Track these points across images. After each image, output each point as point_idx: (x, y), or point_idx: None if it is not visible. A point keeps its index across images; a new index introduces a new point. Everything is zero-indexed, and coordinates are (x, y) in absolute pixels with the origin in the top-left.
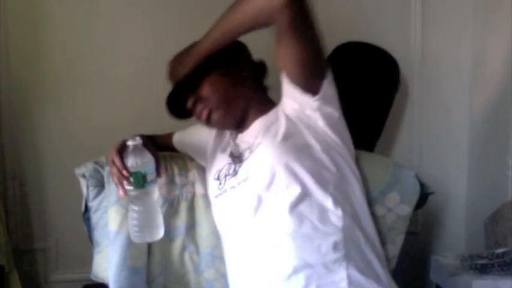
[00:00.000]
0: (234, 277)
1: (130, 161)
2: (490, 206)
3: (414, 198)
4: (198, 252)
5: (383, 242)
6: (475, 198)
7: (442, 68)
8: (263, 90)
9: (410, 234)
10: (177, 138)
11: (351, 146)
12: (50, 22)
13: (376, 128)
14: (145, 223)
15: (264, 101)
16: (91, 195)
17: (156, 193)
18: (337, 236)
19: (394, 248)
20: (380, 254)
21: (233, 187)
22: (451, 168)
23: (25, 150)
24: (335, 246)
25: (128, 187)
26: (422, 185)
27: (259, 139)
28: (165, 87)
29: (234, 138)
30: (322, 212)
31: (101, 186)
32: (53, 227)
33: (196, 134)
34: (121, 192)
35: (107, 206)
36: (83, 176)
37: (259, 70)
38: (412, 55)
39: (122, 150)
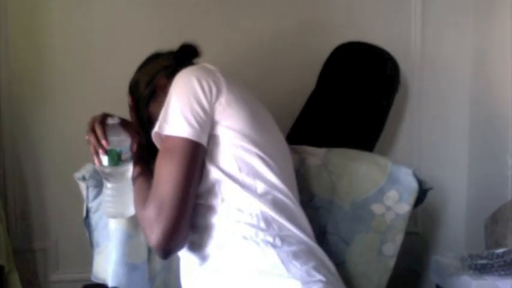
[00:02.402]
0: None
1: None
2: (490, 206)
3: (413, 196)
4: None
5: (384, 241)
6: (475, 198)
7: (442, 68)
8: None
9: (410, 234)
10: None
11: None
12: (50, 23)
13: (376, 128)
14: (118, 200)
15: None
16: (91, 195)
17: (129, 172)
18: None
19: (394, 247)
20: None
21: None
22: (451, 168)
23: (25, 151)
24: None
25: (103, 163)
26: (420, 182)
27: None
28: None
29: None
30: None
31: (100, 186)
32: (53, 227)
33: None
34: (96, 162)
35: None
36: (83, 178)
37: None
38: (412, 55)
39: (103, 122)
